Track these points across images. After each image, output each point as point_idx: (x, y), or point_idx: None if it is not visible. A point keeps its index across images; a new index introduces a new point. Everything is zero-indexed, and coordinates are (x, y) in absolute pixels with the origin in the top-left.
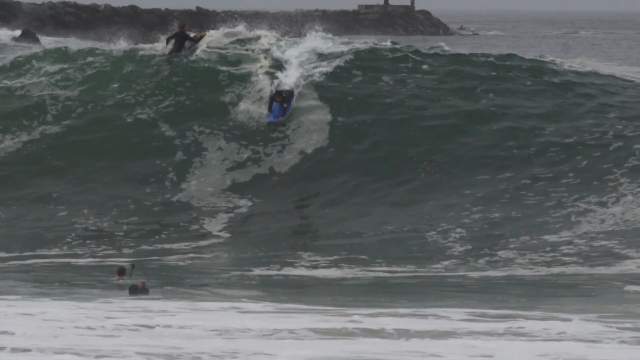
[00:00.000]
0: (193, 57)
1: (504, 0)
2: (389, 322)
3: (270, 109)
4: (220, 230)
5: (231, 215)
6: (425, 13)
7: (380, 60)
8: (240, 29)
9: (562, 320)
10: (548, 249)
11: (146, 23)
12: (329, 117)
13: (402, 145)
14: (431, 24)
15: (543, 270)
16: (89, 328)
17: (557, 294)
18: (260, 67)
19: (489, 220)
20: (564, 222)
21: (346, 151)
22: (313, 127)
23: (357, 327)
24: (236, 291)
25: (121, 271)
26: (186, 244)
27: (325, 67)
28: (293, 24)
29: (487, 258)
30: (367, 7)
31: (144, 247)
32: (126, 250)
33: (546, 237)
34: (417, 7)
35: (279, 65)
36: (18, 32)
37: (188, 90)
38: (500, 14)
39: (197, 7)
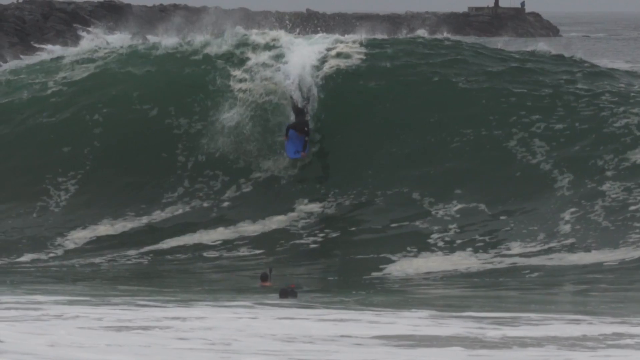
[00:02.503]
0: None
1: (616, 2)
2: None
3: (287, 134)
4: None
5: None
6: (536, 15)
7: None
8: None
9: None
10: None
11: (256, 25)
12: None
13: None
14: (541, 26)
15: None
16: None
17: None
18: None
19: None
20: None
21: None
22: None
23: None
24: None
25: (264, 277)
26: (309, 244)
27: (334, 68)
28: (401, 26)
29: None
30: (477, 9)
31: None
32: (248, 255)
33: None
34: (528, 9)
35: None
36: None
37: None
38: (611, 16)
39: (307, 9)
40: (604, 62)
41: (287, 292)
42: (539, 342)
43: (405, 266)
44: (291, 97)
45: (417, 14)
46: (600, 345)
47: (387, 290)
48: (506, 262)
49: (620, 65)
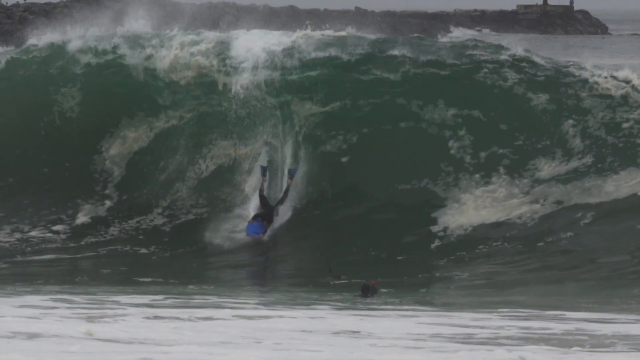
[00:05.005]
0: None
1: None
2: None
3: (252, 218)
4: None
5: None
6: (584, 13)
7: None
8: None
9: None
10: None
11: (305, 23)
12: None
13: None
14: (590, 24)
15: None
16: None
17: None
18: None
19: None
20: None
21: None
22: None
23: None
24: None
25: (336, 275)
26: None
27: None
28: (449, 24)
29: None
30: (525, 7)
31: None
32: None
33: None
34: (576, 6)
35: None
36: None
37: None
38: None
39: (356, 7)
40: None
41: (369, 289)
42: (611, 341)
43: (458, 218)
44: (261, 192)
45: (465, 11)
46: None
47: (459, 287)
48: (550, 201)
49: None
